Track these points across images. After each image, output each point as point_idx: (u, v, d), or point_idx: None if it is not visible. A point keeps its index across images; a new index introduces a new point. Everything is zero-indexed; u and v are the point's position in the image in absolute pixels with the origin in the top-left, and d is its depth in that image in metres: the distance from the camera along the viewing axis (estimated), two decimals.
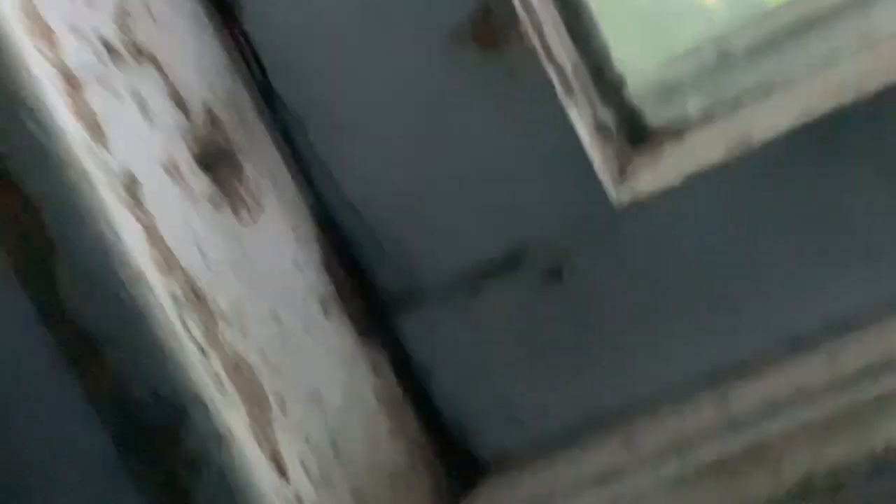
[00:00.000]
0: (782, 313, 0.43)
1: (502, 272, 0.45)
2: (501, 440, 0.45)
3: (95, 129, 0.31)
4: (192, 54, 0.39)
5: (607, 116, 0.45)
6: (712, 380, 0.42)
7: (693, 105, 0.47)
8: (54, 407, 0.31)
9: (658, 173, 0.44)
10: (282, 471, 0.33)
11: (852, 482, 0.35)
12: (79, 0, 0.33)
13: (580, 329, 0.45)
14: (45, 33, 0.31)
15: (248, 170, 0.39)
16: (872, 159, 0.41)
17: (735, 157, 0.42)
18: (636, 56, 0.49)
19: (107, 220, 0.30)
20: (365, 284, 0.45)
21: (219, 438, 0.31)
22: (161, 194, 0.33)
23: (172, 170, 0.34)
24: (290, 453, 0.34)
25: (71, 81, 0.31)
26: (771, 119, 0.43)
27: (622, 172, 0.45)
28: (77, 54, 0.32)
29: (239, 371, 0.33)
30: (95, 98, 0.31)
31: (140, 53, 0.35)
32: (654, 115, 0.47)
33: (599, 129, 0.45)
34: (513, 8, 0.42)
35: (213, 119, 0.38)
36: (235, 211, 0.37)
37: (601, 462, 0.41)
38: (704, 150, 0.44)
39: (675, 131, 0.47)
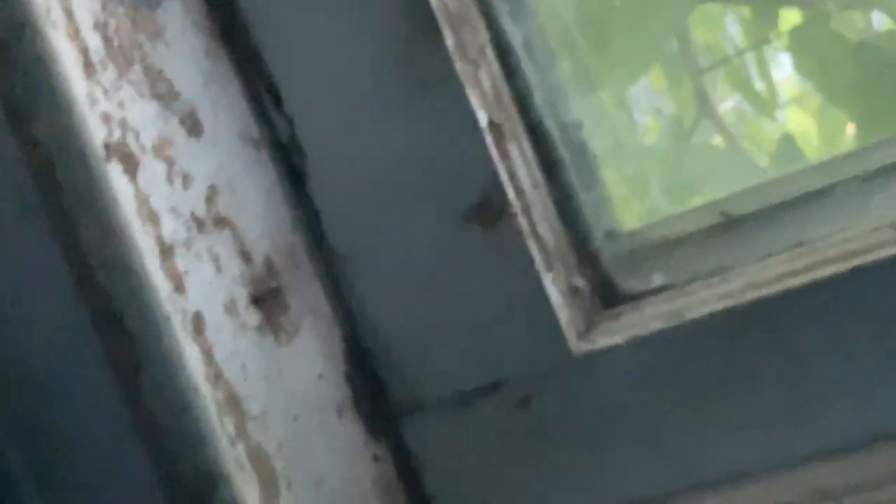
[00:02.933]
0: (702, 453, 0.54)
1: (484, 396, 0.57)
2: None
3: (178, 283, 0.45)
4: (262, 218, 0.53)
5: (581, 283, 0.58)
6: None
7: (655, 278, 0.59)
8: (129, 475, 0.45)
9: (611, 333, 0.56)
10: None
11: None
12: (177, 184, 0.47)
13: (543, 448, 0.57)
14: (150, 215, 0.45)
15: (293, 303, 0.53)
16: (773, 348, 0.52)
17: (668, 327, 0.54)
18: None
19: (177, 347, 0.45)
20: (378, 393, 0.59)
21: None
22: (219, 327, 0.47)
23: (231, 308, 0.48)
24: None
25: (164, 250, 0.45)
26: (701, 301, 0.55)
27: (587, 329, 0.57)
28: (171, 228, 0.46)
29: (258, 458, 0.47)
30: (181, 260, 0.46)
31: (221, 221, 0.50)
32: (623, 283, 0.60)
33: (572, 293, 0.57)
34: (505, 196, 0.55)
35: (270, 267, 0.52)
36: (276, 335, 0.51)
37: None
38: (649, 318, 0.56)
39: (637, 299, 0.59)
